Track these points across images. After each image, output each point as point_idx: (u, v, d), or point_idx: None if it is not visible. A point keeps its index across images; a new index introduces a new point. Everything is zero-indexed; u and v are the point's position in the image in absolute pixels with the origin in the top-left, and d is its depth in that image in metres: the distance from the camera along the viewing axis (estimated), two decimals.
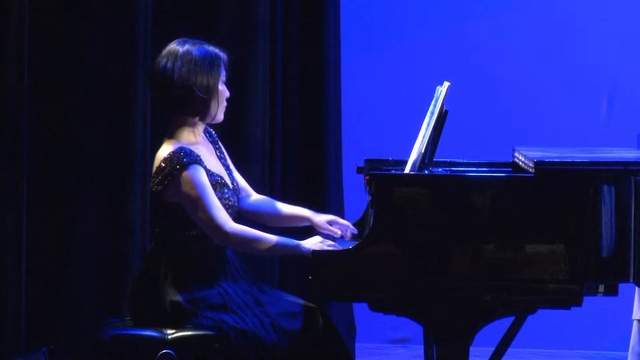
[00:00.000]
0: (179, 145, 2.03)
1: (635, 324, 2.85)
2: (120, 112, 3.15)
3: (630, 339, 2.85)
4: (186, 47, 2.03)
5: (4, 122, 2.91)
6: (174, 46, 2.04)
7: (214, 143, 2.19)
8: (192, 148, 2.03)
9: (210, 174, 2.05)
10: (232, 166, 2.23)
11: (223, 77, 2.07)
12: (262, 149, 3.40)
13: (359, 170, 2.66)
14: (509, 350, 2.36)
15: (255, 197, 2.28)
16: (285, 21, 3.58)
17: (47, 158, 3.07)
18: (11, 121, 2.91)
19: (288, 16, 3.60)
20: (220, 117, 2.11)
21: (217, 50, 2.06)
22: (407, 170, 2.18)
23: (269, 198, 2.37)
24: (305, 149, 3.58)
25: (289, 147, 3.58)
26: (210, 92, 2.02)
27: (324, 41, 3.65)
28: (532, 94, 4.00)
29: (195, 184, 1.98)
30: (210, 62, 2.02)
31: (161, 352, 2.03)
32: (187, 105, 2.02)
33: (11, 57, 2.89)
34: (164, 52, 2.04)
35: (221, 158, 2.19)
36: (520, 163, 2.41)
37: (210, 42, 2.13)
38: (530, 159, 2.19)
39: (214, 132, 2.23)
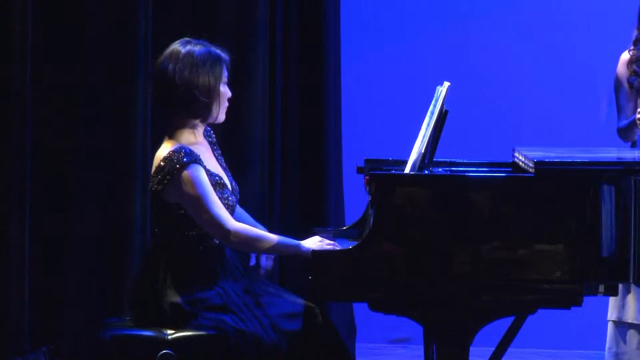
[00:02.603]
0: (178, 145, 2.03)
1: (610, 324, 2.86)
2: (121, 112, 3.15)
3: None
4: (188, 47, 2.01)
5: (7, 122, 2.92)
6: (176, 47, 2.02)
7: (212, 144, 2.19)
8: (192, 148, 2.03)
9: (210, 174, 2.05)
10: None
11: (225, 77, 2.06)
12: (262, 149, 3.40)
13: (359, 170, 2.66)
14: (509, 350, 2.35)
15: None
16: (285, 21, 3.58)
17: (49, 158, 3.08)
18: (15, 122, 2.92)
19: (288, 16, 3.60)
20: (221, 117, 2.10)
21: (218, 51, 2.05)
22: (407, 170, 2.18)
23: (245, 212, 2.31)
24: (305, 149, 3.58)
25: (289, 147, 3.58)
26: (212, 95, 2.01)
27: (324, 41, 3.65)
28: (532, 94, 4.00)
29: (195, 183, 1.97)
30: (212, 64, 2.00)
31: (161, 353, 2.04)
32: (189, 107, 2.01)
33: (14, 59, 2.90)
34: (166, 52, 2.03)
35: (219, 157, 2.19)
36: (520, 163, 2.41)
37: (211, 42, 2.12)
38: (530, 159, 2.19)
39: (212, 133, 2.22)
